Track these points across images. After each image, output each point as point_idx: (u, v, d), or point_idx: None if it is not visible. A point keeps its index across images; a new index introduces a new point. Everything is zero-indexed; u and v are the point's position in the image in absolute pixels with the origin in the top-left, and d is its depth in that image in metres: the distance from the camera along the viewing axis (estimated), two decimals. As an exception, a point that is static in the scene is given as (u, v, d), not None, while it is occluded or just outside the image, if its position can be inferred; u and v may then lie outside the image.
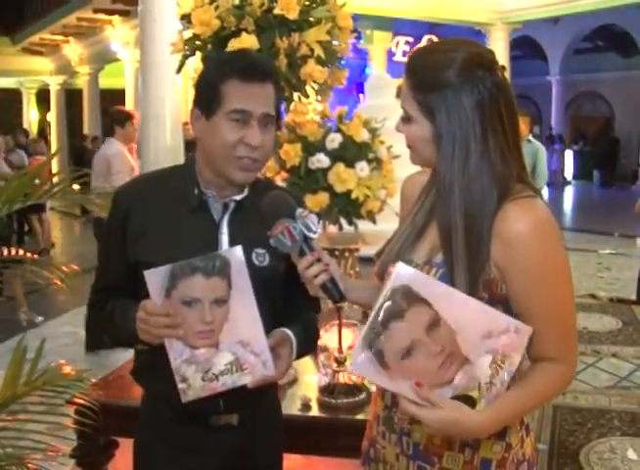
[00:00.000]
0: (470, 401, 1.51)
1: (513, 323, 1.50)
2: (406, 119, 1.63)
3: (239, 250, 1.70)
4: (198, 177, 1.93)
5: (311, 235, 1.68)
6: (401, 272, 1.47)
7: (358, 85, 16.96)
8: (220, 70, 1.83)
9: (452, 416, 1.48)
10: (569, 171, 24.71)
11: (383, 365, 1.50)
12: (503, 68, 1.61)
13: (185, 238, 1.88)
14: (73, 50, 22.76)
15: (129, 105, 18.45)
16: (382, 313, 1.47)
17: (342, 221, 3.30)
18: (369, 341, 1.49)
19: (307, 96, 3.20)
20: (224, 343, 1.73)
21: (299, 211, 1.69)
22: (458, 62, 1.56)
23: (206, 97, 1.83)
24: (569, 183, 24.19)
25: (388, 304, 1.47)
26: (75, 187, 3.43)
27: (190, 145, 9.29)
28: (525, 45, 23.46)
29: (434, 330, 1.47)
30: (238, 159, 1.83)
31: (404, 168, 3.05)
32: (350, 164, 3.19)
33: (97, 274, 2.07)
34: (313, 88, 3.24)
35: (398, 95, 11.50)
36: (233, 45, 2.93)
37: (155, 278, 1.67)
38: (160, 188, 1.95)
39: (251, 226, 1.84)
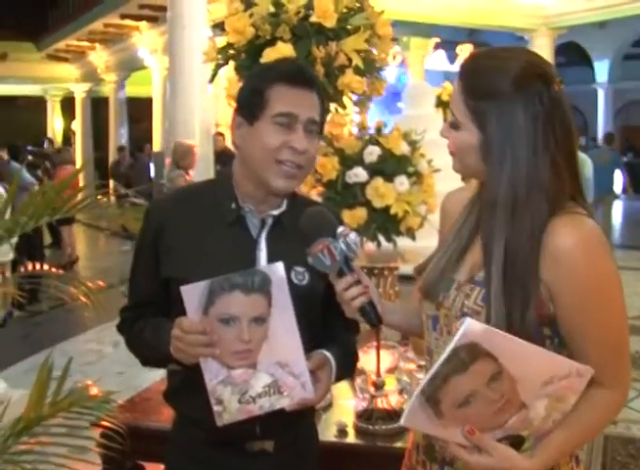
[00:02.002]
0: (519, 439, 1.52)
1: (575, 367, 1.49)
2: (454, 125, 1.63)
3: (280, 266, 1.70)
4: (235, 191, 1.94)
5: (352, 255, 1.68)
6: (470, 329, 1.45)
7: (395, 94, 16.95)
8: (265, 76, 1.87)
9: (502, 465, 1.49)
10: (618, 185, 24.44)
11: (437, 414, 1.49)
12: (561, 82, 1.61)
13: (221, 254, 1.89)
14: (99, 57, 23.08)
15: (156, 114, 18.64)
16: (444, 368, 1.46)
17: (381, 238, 3.30)
18: (427, 395, 1.48)
19: (345, 107, 3.21)
20: (262, 363, 1.73)
21: (341, 229, 1.69)
22: (515, 70, 1.55)
23: (251, 103, 1.86)
24: (617, 197, 23.93)
25: (451, 359, 1.45)
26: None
27: (220, 156, 9.36)
28: (570, 51, 23.32)
29: (496, 381, 1.47)
30: (280, 163, 1.85)
31: (445, 183, 3.05)
32: (389, 179, 3.19)
33: (128, 290, 2.09)
34: (351, 99, 3.25)
35: (438, 105, 11.51)
36: (268, 54, 2.95)
37: (192, 294, 1.67)
38: (195, 202, 1.97)
39: (290, 243, 1.84)
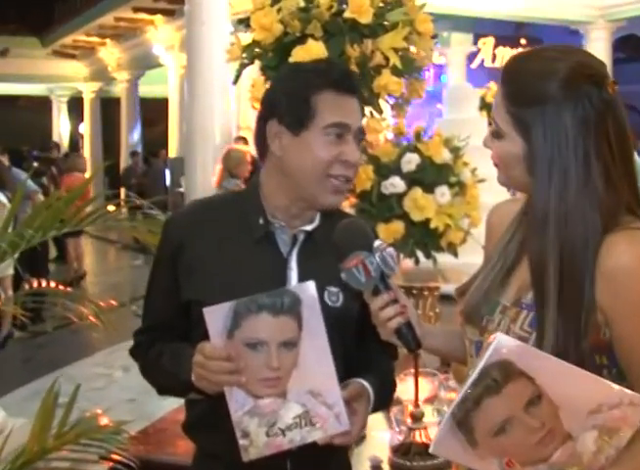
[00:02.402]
0: None
1: (628, 396, 1.47)
2: (496, 134, 1.64)
3: (312, 286, 1.71)
4: (263, 204, 1.96)
5: (389, 272, 1.69)
6: (501, 345, 1.45)
7: (433, 96, 16.92)
8: (310, 81, 1.88)
9: None
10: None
11: (471, 443, 1.49)
12: (614, 83, 1.60)
13: (248, 274, 1.90)
14: (110, 53, 23.26)
15: (173, 117, 18.75)
16: (475, 389, 1.46)
17: (419, 254, 3.30)
18: (458, 419, 1.48)
19: (381, 111, 3.23)
20: (292, 392, 1.73)
21: (378, 243, 1.70)
22: (562, 72, 1.55)
23: (294, 111, 1.87)
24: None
25: (482, 379, 1.46)
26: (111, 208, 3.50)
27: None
28: (630, 46, 23.15)
29: (535, 406, 1.46)
30: (332, 178, 1.87)
31: (491, 194, 3.05)
32: (429, 189, 3.21)
33: (143, 311, 2.10)
34: (388, 102, 3.27)
35: (482, 107, 11.44)
36: (297, 53, 2.98)
37: (215, 317, 1.68)
38: (218, 216, 1.99)
39: (324, 261, 1.85)
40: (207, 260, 1.92)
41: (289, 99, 1.89)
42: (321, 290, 1.79)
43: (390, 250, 1.70)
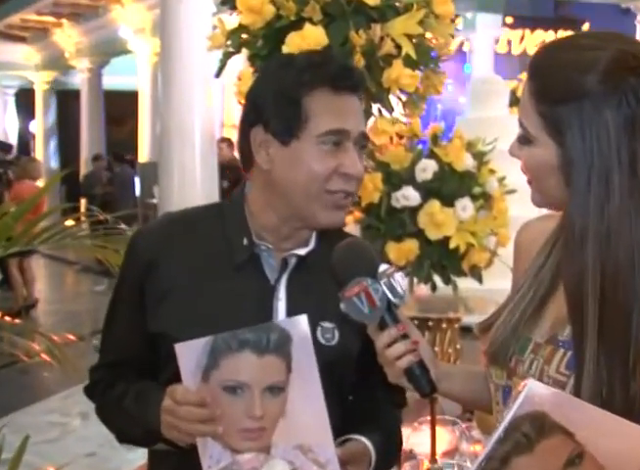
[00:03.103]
0: None
1: None
2: (524, 139, 1.64)
3: (303, 320, 1.71)
4: (249, 222, 1.96)
5: (397, 301, 1.69)
6: (533, 393, 1.45)
7: (455, 90, 16.87)
8: (301, 78, 1.87)
9: None
10: None
11: None
12: None
13: (228, 304, 1.91)
14: (67, 37, 23.16)
15: (143, 114, 18.75)
16: (502, 446, 1.45)
17: (437, 279, 3.32)
18: None
19: (392, 109, 3.25)
20: (278, 447, 1.73)
21: (384, 267, 1.70)
22: (602, 63, 1.55)
23: (283, 115, 1.87)
24: None
25: (511, 434, 1.44)
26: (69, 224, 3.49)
27: (226, 170, 9.38)
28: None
29: (575, 467, 1.44)
30: (330, 194, 1.88)
31: (522, 207, 3.05)
32: (449, 202, 3.24)
33: (102, 344, 2.11)
34: (400, 99, 3.29)
35: (512, 103, 11.41)
36: (292, 40, 2.98)
37: (188, 354, 1.69)
38: (195, 233, 1.99)
39: (317, 292, 1.88)
40: (180, 286, 1.93)
41: (276, 101, 1.88)
42: (314, 326, 1.80)
43: (399, 274, 1.70)
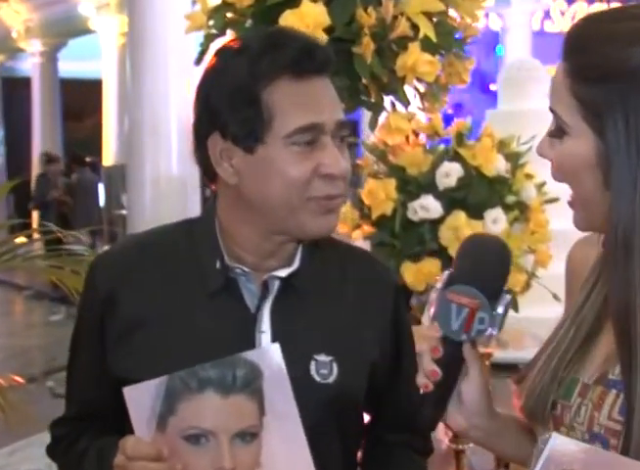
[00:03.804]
0: None
1: None
2: (557, 132, 1.63)
3: (276, 349, 1.71)
4: (220, 241, 1.96)
5: (483, 339, 1.69)
6: (558, 451, 1.44)
7: (484, 75, 16.90)
8: (254, 68, 1.85)
9: None
10: None
11: None
12: None
13: (202, 340, 1.91)
14: (15, 13, 23.10)
15: (108, 107, 18.78)
16: None
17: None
18: None
19: (408, 103, 3.25)
20: None
21: (508, 297, 1.69)
22: None
23: (240, 116, 1.85)
24: None
25: None
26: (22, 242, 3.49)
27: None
28: None
29: None
30: (314, 201, 1.86)
31: (566, 220, 3.01)
32: (476, 214, 3.25)
33: (67, 392, 2.12)
34: (417, 90, 3.29)
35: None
36: (287, 19, 2.99)
37: (139, 398, 1.69)
38: (161, 259, 2.01)
39: (309, 318, 1.88)
40: (145, 321, 1.94)
41: (231, 100, 1.87)
42: (306, 360, 1.81)
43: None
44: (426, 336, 1.70)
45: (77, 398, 2.08)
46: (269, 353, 1.70)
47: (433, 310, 1.66)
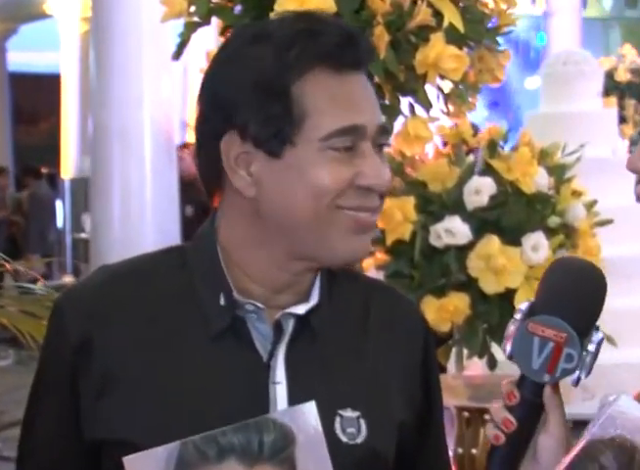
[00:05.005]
0: None
1: None
2: None
3: (312, 409, 1.73)
4: (226, 271, 1.95)
5: (570, 380, 1.69)
6: (623, 413, 1.49)
7: (523, 72, 16.84)
8: (283, 57, 1.84)
9: None
10: None
11: None
12: None
13: (203, 395, 1.90)
14: (-43, -5, 23.31)
15: (68, 107, 18.80)
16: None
17: (497, 351, 3.34)
18: None
19: (429, 105, 3.28)
20: None
21: (600, 334, 1.70)
22: None
23: (265, 113, 1.85)
24: None
25: (585, 464, 1.49)
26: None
27: (191, 190, 9.37)
28: None
29: None
30: (344, 214, 1.86)
31: (619, 244, 3.03)
32: (513, 239, 3.27)
33: (20, 455, 2.10)
34: (441, 90, 3.32)
35: (609, 92, 11.53)
36: (285, 6, 3.00)
37: (143, 469, 1.70)
38: (146, 294, 1.99)
39: (332, 365, 1.90)
40: (132, 372, 1.92)
41: (253, 95, 1.86)
42: (330, 416, 1.82)
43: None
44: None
45: (35, 463, 2.05)
46: (304, 414, 1.72)
47: (509, 346, 1.68)
